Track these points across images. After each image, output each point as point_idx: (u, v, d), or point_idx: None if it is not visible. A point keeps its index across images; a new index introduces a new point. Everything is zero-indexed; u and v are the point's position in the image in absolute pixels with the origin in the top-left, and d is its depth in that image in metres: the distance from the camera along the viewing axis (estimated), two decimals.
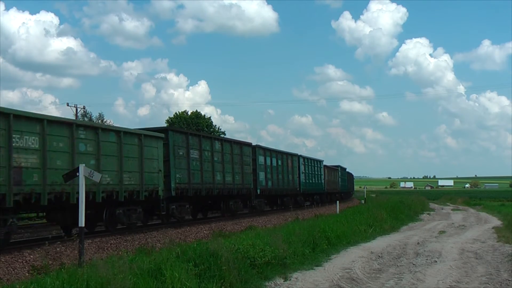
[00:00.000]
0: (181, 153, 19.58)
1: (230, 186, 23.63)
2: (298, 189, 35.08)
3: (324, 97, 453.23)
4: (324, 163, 48.00)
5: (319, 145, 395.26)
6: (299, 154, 36.72)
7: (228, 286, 8.74)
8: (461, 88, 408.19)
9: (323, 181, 42.48)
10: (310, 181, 38.50)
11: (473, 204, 50.18)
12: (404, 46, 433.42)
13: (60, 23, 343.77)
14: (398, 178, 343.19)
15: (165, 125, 66.59)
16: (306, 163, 37.79)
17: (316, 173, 40.49)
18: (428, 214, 33.39)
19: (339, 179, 52.54)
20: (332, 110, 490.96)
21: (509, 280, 10.12)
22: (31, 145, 12.45)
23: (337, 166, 53.23)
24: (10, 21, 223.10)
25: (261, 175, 28.10)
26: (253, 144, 27.68)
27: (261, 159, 28.20)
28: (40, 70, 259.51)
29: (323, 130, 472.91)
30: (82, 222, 9.86)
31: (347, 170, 62.97)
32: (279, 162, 31.11)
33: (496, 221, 26.16)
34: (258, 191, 27.24)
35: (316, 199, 40.12)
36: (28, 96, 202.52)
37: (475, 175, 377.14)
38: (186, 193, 19.83)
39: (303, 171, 36.53)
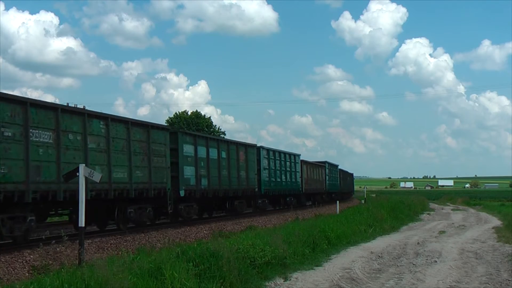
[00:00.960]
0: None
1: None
2: (256, 189, 27.82)
3: (324, 97, 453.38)
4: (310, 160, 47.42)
5: (319, 145, 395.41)
6: (260, 145, 31.34)
7: (228, 286, 8.74)
8: (461, 88, 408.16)
9: (299, 180, 35.95)
10: (278, 180, 31.82)
11: (473, 204, 50.22)
12: (404, 46, 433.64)
13: (60, 23, 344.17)
14: (398, 178, 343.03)
15: (165, 125, 66.74)
16: (272, 157, 31.02)
17: (289, 169, 33.74)
18: (428, 214, 33.42)
19: (327, 177, 44.63)
20: (332, 110, 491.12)
21: (509, 280, 10.12)
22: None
23: (324, 162, 45.45)
24: (10, 21, 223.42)
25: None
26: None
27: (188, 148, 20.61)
28: (40, 70, 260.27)
29: (323, 130, 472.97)
30: (82, 222, 9.86)
31: (340, 167, 55.26)
32: (223, 154, 23.52)
33: (496, 221, 26.17)
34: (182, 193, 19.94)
35: (290, 201, 34.35)
36: (28, 96, 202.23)
37: (475, 175, 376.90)
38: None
39: (266, 167, 29.97)
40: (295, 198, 35.95)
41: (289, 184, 33.90)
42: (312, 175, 39.99)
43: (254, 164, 27.15)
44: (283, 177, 32.84)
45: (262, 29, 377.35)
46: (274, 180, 30.92)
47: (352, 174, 72.00)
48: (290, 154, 35.04)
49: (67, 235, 11.05)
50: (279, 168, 32.03)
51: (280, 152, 33.15)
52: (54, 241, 11.40)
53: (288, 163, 33.73)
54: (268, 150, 30.87)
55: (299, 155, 36.92)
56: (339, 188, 51.82)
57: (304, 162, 37.65)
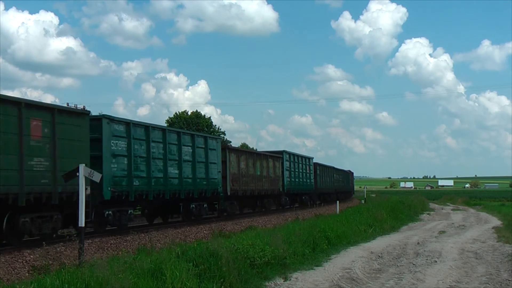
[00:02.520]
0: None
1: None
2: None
3: (324, 97, 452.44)
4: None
5: (319, 145, 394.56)
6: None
7: (228, 286, 8.74)
8: (461, 88, 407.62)
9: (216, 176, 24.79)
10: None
11: (473, 204, 50.20)
12: (403, 46, 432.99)
13: (60, 23, 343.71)
14: (398, 178, 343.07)
15: (165, 125, 66.80)
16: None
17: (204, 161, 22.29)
18: (428, 214, 33.41)
19: (286, 172, 32.85)
20: (332, 110, 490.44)
21: (509, 280, 10.13)
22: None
23: (281, 152, 32.84)
24: (9, 21, 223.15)
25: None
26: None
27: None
28: (39, 70, 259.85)
29: (323, 130, 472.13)
30: (82, 222, 9.86)
31: (318, 162, 43.55)
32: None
33: (496, 221, 26.17)
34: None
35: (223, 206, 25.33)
36: (28, 96, 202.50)
37: (475, 175, 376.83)
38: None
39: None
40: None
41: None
42: (245, 167, 28.09)
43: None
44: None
45: (262, 29, 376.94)
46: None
47: (351, 173, 68.66)
48: (200, 136, 28.75)
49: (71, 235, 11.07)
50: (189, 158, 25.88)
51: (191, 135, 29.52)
52: (44, 243, 11.37)
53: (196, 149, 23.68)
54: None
55: (218, 139, 26.31)
56: (313, 188, 39.52)
57: (234, 150, 26.97)
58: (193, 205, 21.21)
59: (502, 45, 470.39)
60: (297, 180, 35.70)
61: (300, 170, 36.61)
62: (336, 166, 53.03)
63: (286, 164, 33.55)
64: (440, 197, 73.01)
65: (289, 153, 34.46)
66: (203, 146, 21.72)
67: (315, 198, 40.14)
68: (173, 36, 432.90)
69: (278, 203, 32.27)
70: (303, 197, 38.10)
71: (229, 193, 23.80)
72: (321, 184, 42.70)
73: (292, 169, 34.83)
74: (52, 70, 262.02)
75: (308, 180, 38.78)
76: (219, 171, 23.00)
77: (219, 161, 23.05)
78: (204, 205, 22.06)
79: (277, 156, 31.78)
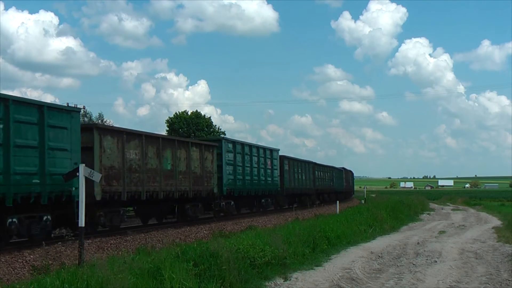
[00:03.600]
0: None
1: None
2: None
3: (324, 97, 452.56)
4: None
5: (319, 145, 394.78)
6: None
7: (228, 286, 8.74)
8: (461, 88, 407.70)
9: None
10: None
11: (473, 204, 50.17)
12: (403, 46, 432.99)
13: (60, 23, 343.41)
14: (398, 178, 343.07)
15: (165, 125, 66.56)
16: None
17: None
18: (428, 214, 33.39)
19: (227, 167, 24.82)
20: (332, 110, 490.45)
21: (509, 280, 10.12)
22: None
23: (217, 141, 25.19)
24: (9, 20, 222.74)
25: None
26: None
27: None
28: (39, 70, 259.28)
29: (323, 130, 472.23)
30: (82, 222, 9.86)
31: (288, 155, 36.30)
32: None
33: (496, 221, 26.16)
34: None
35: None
36: (28, 96, 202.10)
37: (475, 175, 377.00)
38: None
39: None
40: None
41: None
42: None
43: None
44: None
45: (262, 29, 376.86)
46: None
47: (350, 172, 66.06)
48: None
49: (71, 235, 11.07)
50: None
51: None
52: (44, 243, 11.35)
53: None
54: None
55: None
56: (278, 187, 32.09)
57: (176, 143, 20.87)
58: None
59: (502, 45, 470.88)
60: (248, 177, 26.87)
61: (255, 165, 27.90)
62: (325, 164, 47.93)
63: (227, 156, 24.64)
64: (440, 197, 72.96)
65: (233, 142, 26.01)
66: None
67: (283, 201, 33.67)
68: (173, 36, 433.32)
69: (215, 209, 23.85)
70: (262, 200, 30.00)
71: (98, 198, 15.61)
72: (291, 183, 34.13)
73: (239, 163, 25.99)
74: (52, 70, 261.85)
75: (269, 178, 30.20)
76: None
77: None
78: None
79: (209, 144, 23.18)
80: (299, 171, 36.84)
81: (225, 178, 24.07)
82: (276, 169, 31.47)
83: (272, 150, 31.39)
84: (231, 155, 25.09)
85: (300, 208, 32.56)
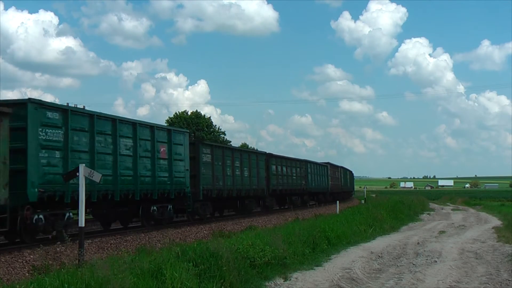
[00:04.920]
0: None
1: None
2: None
3: (324, 97, 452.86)
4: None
5: (319, 145, 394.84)
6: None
7: (228, 286, 8.74)
8: (461, 88, 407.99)
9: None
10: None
11: (473, 204, 50.17)
12: (403, 46, 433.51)
13: (59, 23, 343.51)
14: (398, 178, 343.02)
15: (165, 125, 66.70)
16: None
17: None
18: (428, 214, 33.40)
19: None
20: (332, 110, 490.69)
21: (509, 280, 10.12)
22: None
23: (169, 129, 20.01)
24: (9, 20, 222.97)
25: None
26: None
27: None
28: (39, 70, 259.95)
29: (323, 130, 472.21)
30: (82, 222, 9.85)
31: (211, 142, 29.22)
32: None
33: (496, 221, 26.16)
34: None
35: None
36: (28, 96, 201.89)
37: (475, 175, 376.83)
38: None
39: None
40: None
41: None
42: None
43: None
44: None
45: (262, 29, 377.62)
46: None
47: (350, 172, 64.70)
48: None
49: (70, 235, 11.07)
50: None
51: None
52: (41, 245, 11.30)
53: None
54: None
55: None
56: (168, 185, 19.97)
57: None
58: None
59: (502, 45, 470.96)
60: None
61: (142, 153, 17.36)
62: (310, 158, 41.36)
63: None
64: (440, 197, 72.97)
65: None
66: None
67: (197, 209, 21.56)
68: (173, 36, 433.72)
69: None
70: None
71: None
72: (206, 181, 21.73)
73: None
74: (51, 70, 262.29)
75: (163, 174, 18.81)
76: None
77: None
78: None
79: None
80: (231, 165, 24.61)
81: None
82: (185, 160, 20.14)
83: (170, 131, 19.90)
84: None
85: (300, 208, 32.48)
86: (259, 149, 52.87)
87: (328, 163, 47.61)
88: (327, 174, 44.88)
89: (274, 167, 31.02)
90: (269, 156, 31.04)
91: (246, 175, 26.11)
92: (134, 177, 16.77)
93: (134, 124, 17.15)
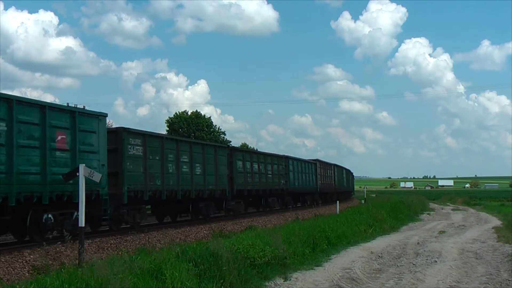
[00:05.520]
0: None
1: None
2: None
3: (324, 97, 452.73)
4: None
5: (319, 145, 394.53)
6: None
7: (228, 286, 8.74)
8: (461, 88, 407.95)
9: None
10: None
11: (473, 204, 50.19)
12: (403, 46, 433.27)
13: (59, 23, 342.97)
14: (398, 178, 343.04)
15: (165, 125, 66.42)
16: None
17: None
18: (428, 214, 33.40)
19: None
20: (332, 110, 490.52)
21: (509, 280, 10.12)
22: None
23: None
24: (8, 20, 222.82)
25: None
26: None
27: None
28: (39, 69, 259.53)
29: (323, 130, 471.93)
30: (82, 222, 9.85)
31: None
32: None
33: (496, 221, 26.16)
34: None
35: None
36: (28, 95, 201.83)
37: (475, 175, 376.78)
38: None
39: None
40: None
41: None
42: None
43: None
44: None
45: (262, 29, 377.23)
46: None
47: (350, 172, 63.52)
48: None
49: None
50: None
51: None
52: (45, 243, 11.30)
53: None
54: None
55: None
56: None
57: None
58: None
59: (502, 45, 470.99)
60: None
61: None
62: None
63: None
64: (440, 197, 72.98)
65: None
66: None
67: (123, 216, 17.44)
68: (172, 36, 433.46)
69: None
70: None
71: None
72: (134, 180, 17.27)
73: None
74: (51, 70, 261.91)
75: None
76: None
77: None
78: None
79: None
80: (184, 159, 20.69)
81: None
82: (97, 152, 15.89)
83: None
84: None
85: (301, 208, 32.39)
86: (259, 149, 52.20)
87: (317, 160, 42.72)
88: (315, 172, 40.29)
89: (240, 163, 25.99)
90: (234, 151, 26.45)
91: (198, 173, 21.17)
92: (7, 174, 12.24)
93: (9, 101, 12.44)
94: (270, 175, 30.00)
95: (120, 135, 16.87)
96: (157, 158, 18.51)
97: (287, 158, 34.14)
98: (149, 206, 20.97)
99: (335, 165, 49.76)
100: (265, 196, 30.12)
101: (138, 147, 17.54)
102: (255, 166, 27.98)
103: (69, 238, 10.93)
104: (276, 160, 31.71)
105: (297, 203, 36.42)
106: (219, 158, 23.44)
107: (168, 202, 20.32)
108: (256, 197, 29.44)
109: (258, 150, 58.90)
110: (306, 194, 38.24)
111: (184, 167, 20.30)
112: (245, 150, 28.92)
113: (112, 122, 56.56)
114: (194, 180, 20.93)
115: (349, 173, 61.66)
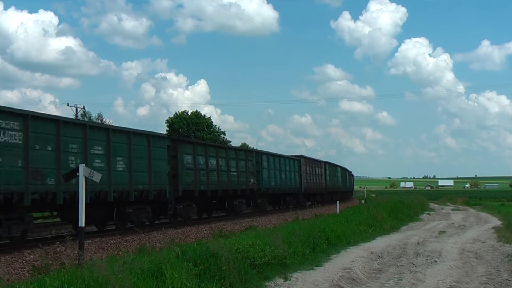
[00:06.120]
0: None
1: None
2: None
3: (324, 97, 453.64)
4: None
5: (319, 145, 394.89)
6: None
7: (228, 286, 8.74)
8: (461, 88, 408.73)
9: None
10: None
11: (473, 204, 50.17)
12: (403, 46, 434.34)
13: (59, 23, 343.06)
14: (398, 178, 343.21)
15: (165, 125, 66.34)
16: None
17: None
18: (428, 214, 33.39)
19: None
20: (332, 110, 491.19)
21: (509, 280, 10.12)
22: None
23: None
24: (8, 20, 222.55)
25: None
26: None
27: None
28: (39, 69, 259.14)
29: (323, 130, 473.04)
30: (82, 222, 9.84)
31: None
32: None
33: (496, 221, 26.16)
34: None
35: None
36: (28, 95, 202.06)
37: (475, 175, 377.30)
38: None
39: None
40: None
41: None
42: None
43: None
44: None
45: (262, 29, 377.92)
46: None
47: (349, 172, 63.38)
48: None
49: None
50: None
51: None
52: (40, 244, 11.29)
53: None
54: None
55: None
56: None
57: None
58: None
59: (502, 45, 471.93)
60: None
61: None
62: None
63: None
64: (440, 197, 72.95)
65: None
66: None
67: None
68: (172, 35, 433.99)
69: None
70: None
71: None
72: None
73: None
74: (51, 70, 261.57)
75: None
76: None
77: None
78: None
79: None
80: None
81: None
82: None
83: None
84: None
85: (301, 208, 32.31)
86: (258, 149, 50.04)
87: (301, 156, 37.42)
88: (298, 170, 35.54)
89: (189, 158, 20.98)
90: (179, 142, 21.03)
91: (120, 169, 16.59)
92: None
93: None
94: (234, 173, 24.97)
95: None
96: (50, 148, 13.97)
97: (259, 153, 29.73)
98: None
99: (326, 162, 45.44)
100: (229, 198, 25.08)
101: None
102: (212, 161, 22.91)
103: (69, 238, 10.94)
104: (243, 155, 26.52)
105: (277, 205, 33.14)
106: (155, 151, 18.46)
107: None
108: (212, 199, 23.96)
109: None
110: (287, 195, 33.87)
111: (97, 161, 15.59)
112: (197, 142, 23.61)
113: (112, 121, 56.46)
114: (115, 179, 16.28)
115: (345, 171, 57.99)
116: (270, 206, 31.53)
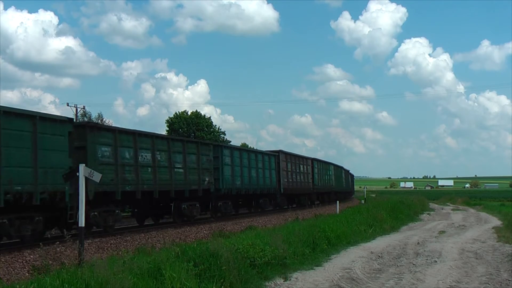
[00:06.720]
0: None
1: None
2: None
3: (324, 97, 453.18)
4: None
5: (319, 145, 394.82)
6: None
7: (228, 286, 8.73)
8: (461, 88, 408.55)
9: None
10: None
11: (473, 204, 50.17)
12: (403, 46, 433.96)
13: (59, 23, 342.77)
14: (398, 178, 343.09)
15: (165, 125, 66.25)
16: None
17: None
18: (428, 214, 33.40)
19: None
20: (332, 110, 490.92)
21: (509, 280, 10.12)
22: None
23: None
24: (8, 20, 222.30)
25: None
26: None
27: None
28: (39, 69, 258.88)
29: (323, 130, 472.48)
30: (82, 222, 9.84)
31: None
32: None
33: (496, 221, 26.16)
34: None
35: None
36: (28, 95, 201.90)
37: (475, 175, 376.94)
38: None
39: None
40: None
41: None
42: None
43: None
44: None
45: (262, 29, 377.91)
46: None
47: (350, 173, 63.88)
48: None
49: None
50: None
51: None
52: (41, 244, 11.28)
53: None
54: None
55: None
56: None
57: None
58: None
59: (502, 45, 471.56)
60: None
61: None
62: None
63: None
64: (440, 197, 72.94)
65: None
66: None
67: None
68: (172, 35, 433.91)
69: None
70: None
71: None
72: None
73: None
74: (51, 70, 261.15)
75: None
76: None
77: None
78: None
79: None
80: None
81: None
82: None
83: None
84: None
85: (301, 208, 32.34)
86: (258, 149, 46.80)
87: (279, 151, 32.28)
88: (276, 167, 30.78)
89: (107, 150, 16.26)
90: (89, 129, 15.84)
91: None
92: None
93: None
94: (180, 170, 20.15)
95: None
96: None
97: (218, 146, 25.21)
98: None
99: (314, 159, 40.41)
100: (173, 200, 20.25)
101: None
102: (146, 155, 18.07)
103: (69, 238, 10.94)
104: (193, 148, 21.51)
105: (249, 207, 28.91)
106: (48, 140, 13.59)
107: None
108: (158, 201, 19.80)
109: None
110: (261, 196, 28.99)
111: None
112: (120, 129, 17.73)
113: (112, 121, 56.39)
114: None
115: (341, 170, 54.09)
116: (234, 210, 26.34)
